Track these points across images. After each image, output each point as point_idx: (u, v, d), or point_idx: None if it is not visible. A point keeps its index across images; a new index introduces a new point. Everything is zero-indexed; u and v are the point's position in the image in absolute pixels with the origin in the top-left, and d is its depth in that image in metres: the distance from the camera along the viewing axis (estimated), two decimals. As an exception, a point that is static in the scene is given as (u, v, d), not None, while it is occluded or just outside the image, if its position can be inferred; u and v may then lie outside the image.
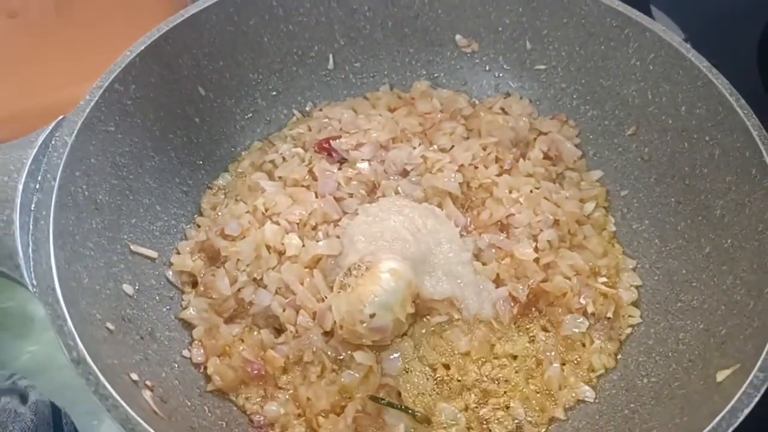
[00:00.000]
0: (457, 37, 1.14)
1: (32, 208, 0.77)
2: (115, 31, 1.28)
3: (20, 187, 0.78)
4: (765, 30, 1.40)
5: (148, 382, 0.77)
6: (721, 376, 0.74)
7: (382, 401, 0.83)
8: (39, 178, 0.79)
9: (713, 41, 1.33)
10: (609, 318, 0.92)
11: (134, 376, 0.75)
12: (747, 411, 0.67)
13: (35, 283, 0.72)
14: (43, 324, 1.08)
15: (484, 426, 0.85)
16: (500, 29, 1.11)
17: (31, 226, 0.76)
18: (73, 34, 1.28)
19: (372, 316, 0.82)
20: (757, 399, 0.67)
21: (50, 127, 0.84)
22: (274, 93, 1.13)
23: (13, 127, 1.12)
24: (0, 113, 1.15)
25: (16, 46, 1.27)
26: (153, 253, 0.93)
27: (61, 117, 0.85)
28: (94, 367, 0.67)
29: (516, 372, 0.89)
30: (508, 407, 0.86)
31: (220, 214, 1.02)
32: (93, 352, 0.69)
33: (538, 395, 0.87)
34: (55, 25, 1.30)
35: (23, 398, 0.91)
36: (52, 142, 0.82)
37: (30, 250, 0.74)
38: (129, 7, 1.33)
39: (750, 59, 1.35)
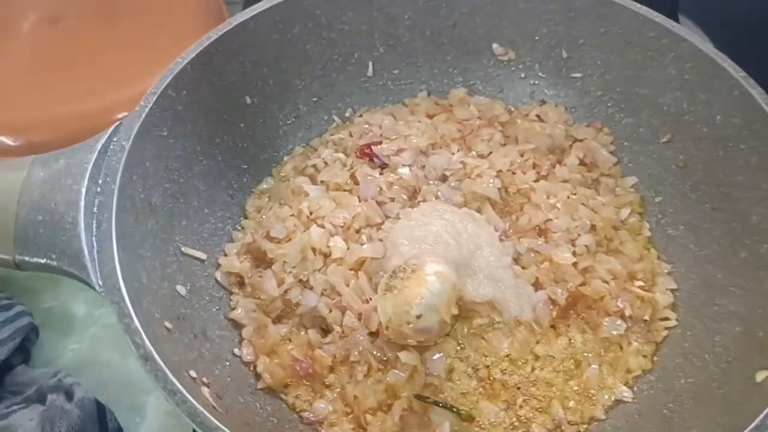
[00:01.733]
0: (494, 45, 1.16)
1: (95, 211, 0.80)
2: (155, 37, 1.31)
3: (83, 190, 0.81)
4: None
5: (204, 379, 0.80)
6: (760, 376, 0.76)
7: (428, 400, 0.86)
8: (100, 181, 0.82)
9: (744, 51, 1.36)
10: (646, 321, 0.94)
11: (193, 374, 0.78)
12: (790, 410, 0.69)
13: (101, 283, 0.75)
14: (85, 322, 1.11)
15: (525, 425, 0.87)
16: (537, 38, 1.13)
17: (94, 228, 0.79)
18: (115, 39, 1.31)
19: (418, 317, 0.84)
20: (798, 399, 0.70)
21: (108, 132, 0.87)
22: (315, 99, 1.16)
23: (54, 131, 1.17)
24: (42, 117, 1.18)
25: (59, 51, 1.30)
26: (202, 255, 0.96)
27: (117, 122, 0.88)
28: (162, 364, 0.70)
29: (556, 373, 0.91)
30: (548, 407, 0.89)
31: (264, 217, 1.04)
32: (157, 349, 0.72)
33: (577, 396, 0.90)
34: (96, 31, 1.33)
35: (69, 395, 0.94)
36: (111, 147, 0.85)
37: (95, 251, 0.77)
38: (169, 13, 1.36)
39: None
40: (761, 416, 0.69)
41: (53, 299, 1.13)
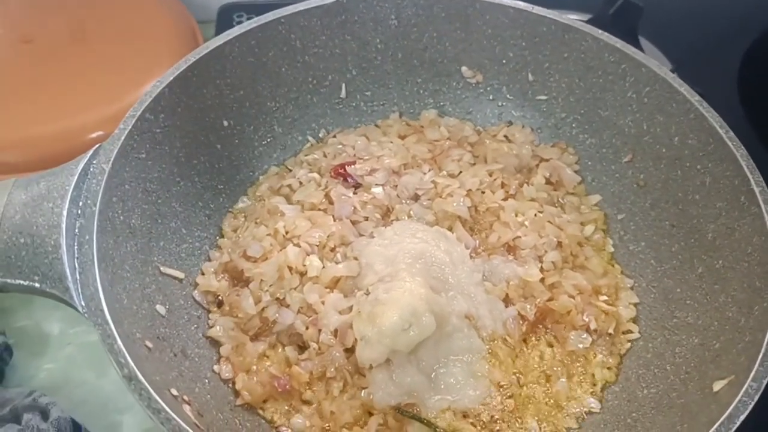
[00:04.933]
0: (463, 68, 1.21)
1: (76, 233, 0.81)
2: (127, 56, 1.32)
3: (65, 213, 0.82)
4: (744, 58, 1.49)
5: (185, 397, 0.81)
6: (717, 386, 0.80)
7: (407, 413, 0.88)
8: (80, 204, 0.83)
9: (698, 69, 1.42)
10: (610, 334, 0.98)
11: (174, 392, 0.80)
12: (743, 417, 0.73)
13: (84, 305, 0.77)
14: (59, 342, 1.11)
15: (502, 440, 0.91)
16: (504, 61, 1.18)
17: (75, 250, 0.80)
18: (87, 60, 1.31)
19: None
20: (751, 407, 0.74)
21: (88, 155, 0.88)
22: (290, 120, 1.18)
23: (27, 151, 1.17)
24: (15, 137, 1.18)
25: (32, 71, 1.30)
26: (180, 274, 0.98)
27: (97, 145, 0.90)
28: (146, 383, 0.72)
29: (530, 386, 0.94)
30: (522, 421, 0.91)
31: (240, 236, 1.06)
32: (140, 368, 0.73)
33: (549, 408, 0.93)
34: (69, 51, 1.33)
35: (44, 415, 0.94)
36: (91, 170, 0.86)
37: (77, 273, 0.78)
38: (141, 32, 1.37)
39: (733, 85, 1.44)
40: (716, 425, 0.73)
41: (27, 318, 1.13)
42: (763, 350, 0.77)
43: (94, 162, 0.87)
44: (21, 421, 0.92)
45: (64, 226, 0.81)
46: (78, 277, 0.78)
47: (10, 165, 1.16)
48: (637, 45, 1.44)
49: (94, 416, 1.01)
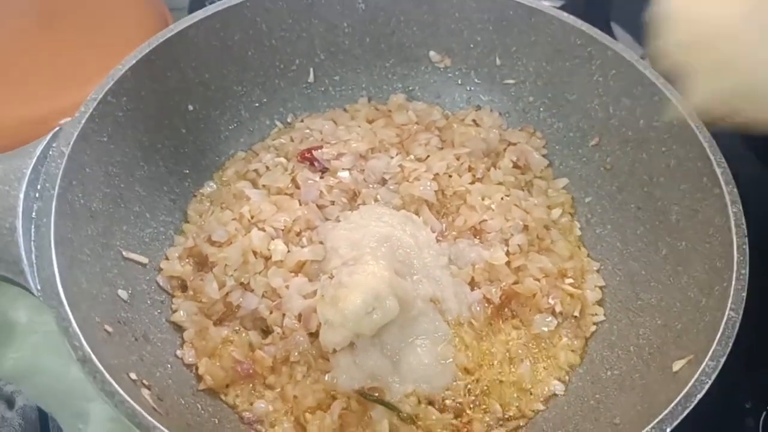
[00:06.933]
0: (431, 52, 1.20)
1: (33, 216, 0.80)
2: (97, 42, 1.30)
3: (21, 195, 0.81)
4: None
5: (145, 381, 0.81)
6: (676, 366, 0.81)
7: (370, 398, 0.88)
8: (38, 186, 0.82)
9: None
10: (575, 317, 0.99)
11: (133, 376, 0.79)
12: (700, 396, 0.73)
13: (39, 288, 0.76)
14: (26, 330, 1.09)
15: (467, 425, 0.90)
16: (472, 46, 1.17)
17: (32, 233, 0.79)
18: (55, 44, 1.30)
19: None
20: (708, 385, 0.74)
21: (48, 138, 0.87)
22: (257, 104, 1.17)
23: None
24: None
25: (-1, 56, 1.29)
26: (144, 259, 0.97)
27: (57, 128, 0.89)
28: (100, 366, 0.71)
29: (495, 370, 0.94)
30: (488, 405, 0.91)
31: (205, 221, 1.05)
32: (96, 352, 0.73)
33: (514, 391, 0.93)
34: (36, 35, 1.31)
35: (10, 403, 0.94)
36: (50, 152, 0.86)
37: (33, 256, 0.78)
38: (111, 18, 1.35)
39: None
40: (673, 403, 0.73)
41: (-8, 307, 1.11)
42: (721, 329, 0.78)
43: (54, 145, 0.86)
44: (-15, 410, 0.91)
45: (20, 209, 0.80)
46: (34, 260, 0.78)
47: (-24, 151, 1.15)
48: (609, 31, 1.44)
49: (61, 405, 1.00)
